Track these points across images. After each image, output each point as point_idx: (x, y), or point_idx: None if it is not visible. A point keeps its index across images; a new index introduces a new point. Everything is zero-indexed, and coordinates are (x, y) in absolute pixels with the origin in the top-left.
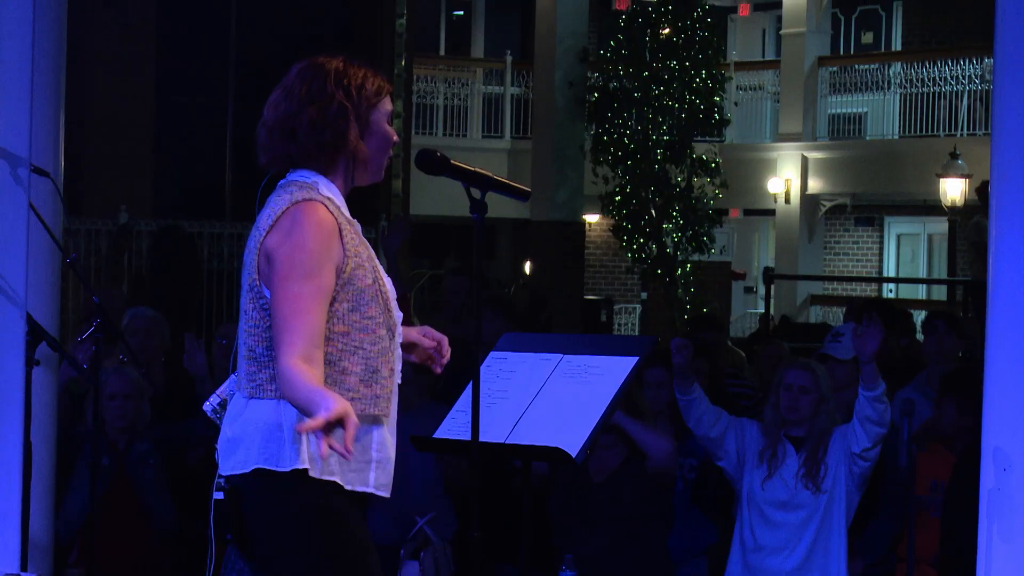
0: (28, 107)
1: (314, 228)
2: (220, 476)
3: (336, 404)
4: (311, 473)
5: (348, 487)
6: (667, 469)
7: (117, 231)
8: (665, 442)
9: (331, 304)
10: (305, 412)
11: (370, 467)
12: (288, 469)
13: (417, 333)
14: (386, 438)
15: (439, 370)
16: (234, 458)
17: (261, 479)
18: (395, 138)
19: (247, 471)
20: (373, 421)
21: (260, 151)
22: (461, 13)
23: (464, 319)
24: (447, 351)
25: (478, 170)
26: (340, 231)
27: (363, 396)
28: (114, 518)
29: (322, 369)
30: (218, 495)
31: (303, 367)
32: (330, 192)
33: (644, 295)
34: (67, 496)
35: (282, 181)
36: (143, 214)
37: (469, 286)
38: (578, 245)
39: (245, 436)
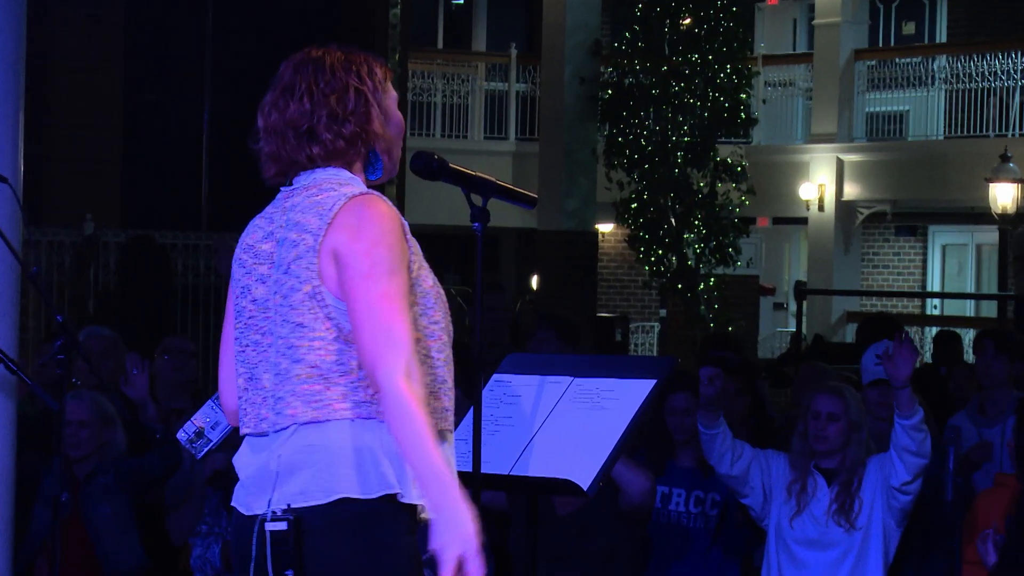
0: None
1: (386, 221)
2: (271, 507)
3: (470, 526)
4: (402, 499)
5: (422, 514)
6: (641, 507)
7: (82, 242)
8: (643, 479)
9: None
10: (415, 468)
11: None
12: (376, 496)
13: None
14: (451, 457)
15: None
16: (290, 487)
17: (341, 509)
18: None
19: (325, 502)
20: (439, 438)
21: (269, 162)
22: (461, 3)
23: (512, 340)
24: None
25: (480, 174)
26: (404, 227)
27: (434, 410)
28: (66, 559)
29: (423, 384)
30: (277, 526)
31: (419, 402)
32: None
33: (663, 312)
34: (27, 534)
35: (304, 180)
36: (111, 224)
37: (506, 302)
38: (590, 257)
39: (311, 464)
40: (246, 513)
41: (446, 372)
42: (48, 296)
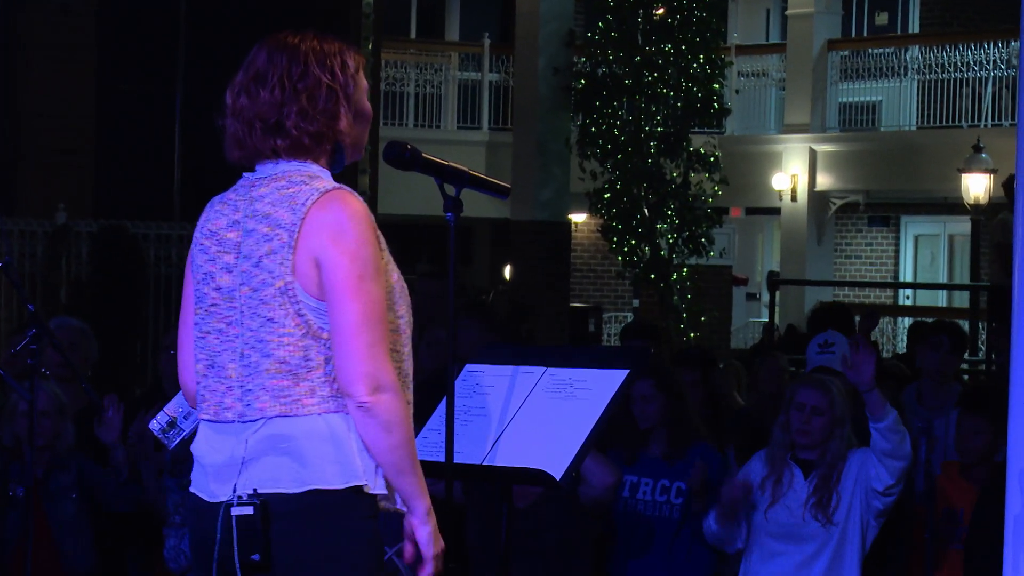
0: None
1: (364, 221)
2: (236, 492)
3: (434, 530)
4: (369, 489)
5: (382, 503)
6: (602, 501)
7: (54, 232)
8: (609, 474)
9: None
10: (394, 480)
11: None
12: (342, 487)
13: None
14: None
15: None
16: (258, 473)
17: (311, 499)
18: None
19: (297, 491)
20: None
21: (232, 145)
22: None
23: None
24: None
25: (453, 164)
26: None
27: None
28: (28, 559)
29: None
30: (244, 510)
31: (410, 421)
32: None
33: (636, 302)
34: None
35: (270, 171)
36: (83, 214)
37: (443, 290)
38: (563, 247)
39: (282, 453)
40: (209, 500)
41: (408, 366)
42: (20, 286)
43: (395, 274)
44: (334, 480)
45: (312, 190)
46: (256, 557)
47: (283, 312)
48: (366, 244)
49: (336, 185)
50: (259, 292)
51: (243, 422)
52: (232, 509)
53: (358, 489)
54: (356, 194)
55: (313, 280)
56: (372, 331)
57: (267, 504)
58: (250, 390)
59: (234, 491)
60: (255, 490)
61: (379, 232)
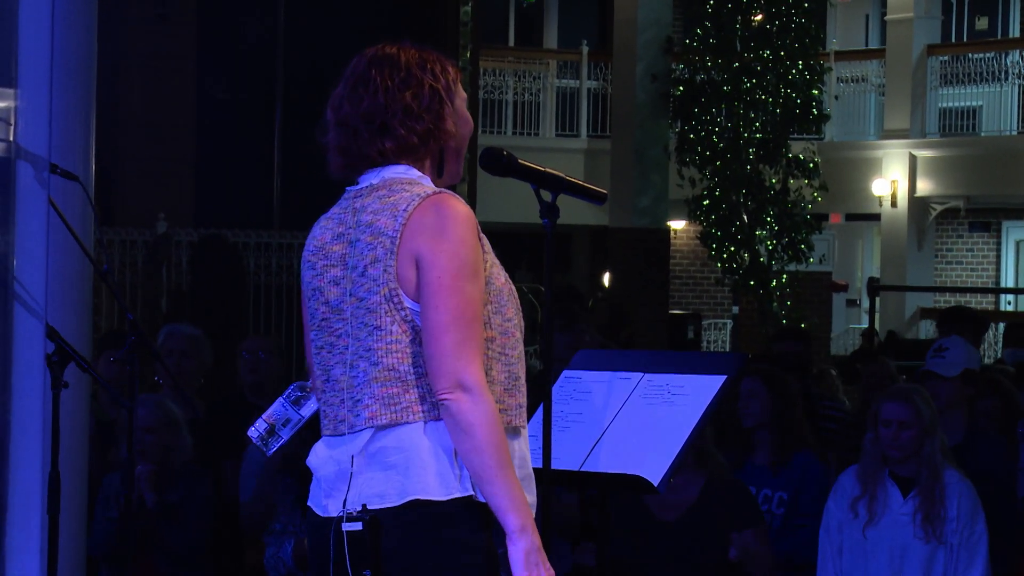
0: (47, 99)
1: (465, 222)
2: (346, 508)
3: (531, 550)
4: (478, 499)
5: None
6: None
7: (155, 241)
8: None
9: None
10: (480, 489)
11: None
12: (447, 498)
13: None
14: (526, 452)
15: None
16: (366, 488)
17: (414, 510)
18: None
19: (399, 504)
20: (514, 433)
21: (338, 155)
22: (533, 0)
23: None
24: None
25: (548, 170)
26: (476, 225)
27: (508, 407)
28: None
29: (489, 396)
30: (353, 526)
31: (497, 427)
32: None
33: (735, 309)
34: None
35: (372, 179)
36: (183, 223)
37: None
38: (662, 254)
39: (387, 466)
40: (322, 515)
41: (519, 368)
42: (120, 295)
43: (501, 277)
44: (436, 491)
45: (413, 196)
46: (368, 573)
47: (389, 319)
48: (465, 245)
49: (438, 189)
50: (365, 301)
51: (353, 432)
52: (343, 525)
53: (466, 500)
54: (459, 197)
55: (415, 283)
56: (462, 330)
57: (376, 520)
58: (359, 400)
59: (344, 506)
60: (364, 506)
61: (483, 236)
